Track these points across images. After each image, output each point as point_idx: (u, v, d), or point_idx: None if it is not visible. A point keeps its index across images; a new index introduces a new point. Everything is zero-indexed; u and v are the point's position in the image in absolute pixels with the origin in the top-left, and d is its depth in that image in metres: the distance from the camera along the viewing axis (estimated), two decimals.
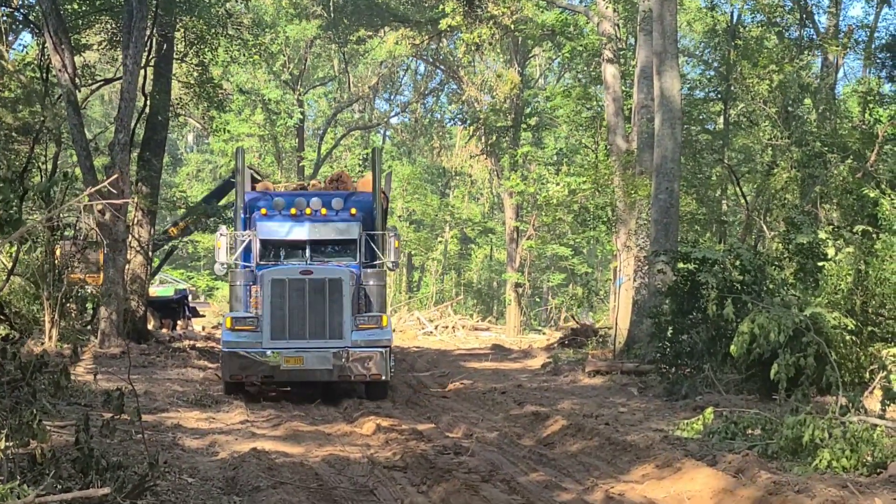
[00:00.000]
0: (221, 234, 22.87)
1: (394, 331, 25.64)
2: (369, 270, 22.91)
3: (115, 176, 22.44)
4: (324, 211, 23.43)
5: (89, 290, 32.09)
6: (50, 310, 26.83)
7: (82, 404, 17.85)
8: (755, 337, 16.02)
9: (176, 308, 42.48)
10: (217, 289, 70.62)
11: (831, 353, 16.79)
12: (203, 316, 46.74)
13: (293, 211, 23.40)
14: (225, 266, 22.95)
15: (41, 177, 29.53)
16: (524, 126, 54.79)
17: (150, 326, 34.98)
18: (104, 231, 27.25)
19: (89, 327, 30.65)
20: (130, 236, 30.29)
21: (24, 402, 10.40)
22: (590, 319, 47.19)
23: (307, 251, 23.29)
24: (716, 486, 11.92)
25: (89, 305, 32.17)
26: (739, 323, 17.18)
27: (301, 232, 23.30)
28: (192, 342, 33.80)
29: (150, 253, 33.08)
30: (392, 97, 78.47)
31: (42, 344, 26.00)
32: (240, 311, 22.25)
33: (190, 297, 45.65)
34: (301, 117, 64.93)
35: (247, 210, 23.87)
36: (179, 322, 42.30)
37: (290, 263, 22.88)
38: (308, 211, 23.44)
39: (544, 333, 49.79)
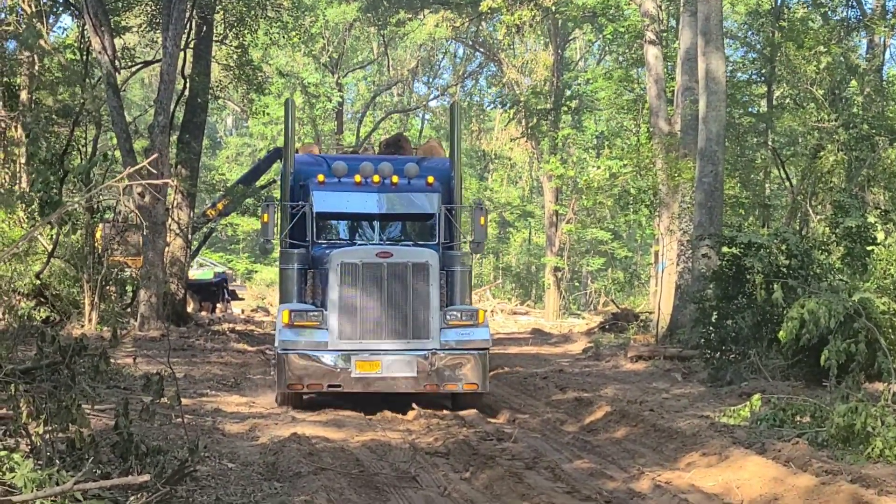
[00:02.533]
0: (268, 205, 18.98)
1: None
2: (453, 253, 18.86)
3: (154, 156, 21.11)
4: (395, 179, 19.14)
5: (129, 273, 32.10)
6: (90, 293, 26.80)
7: (122, 388, 17.80)
8: (804, 322, 15.70)
9: (215, 291, 42.56)
10: (256, 272, 70.73)
11: (881, 340, 16.47)
12: (242, 299, 46.77)
13: (357, 178, 19.06)
14: (272, 244, 19.06)
15: (81, 159, 29.54)
16: (564, 109, 54.50)
17: (189, 309, 34.97)
18: (144, 213, 27.19)
19: (129, 310, 30.64)
20: (170, 219, 30.26)
21: (63, 385, 10.26)
22: (627, 304, 46.87)
23: (376, 228, 19.32)
24: (766, 474, 11.67)
25: (129, 288, 32.17)
26: (788, 308, 16.86)
27: (369, 204, 19.11)
28: (231, 325, 33.77)
29: (190, 236, 33.05)
30: (431, 80, 78.25)
31: (82, 327, 25.99)
32: (291, 299, 18.34)
33: (228, 281, 45.65)
34: (340, 100, 64.85)
35: (298, 177, 19.74)
36: (219, 305, 42.39)
37: (357, 243, 18.98)
38: (376, 178, 19.07)
39: (583, 318, 49.50)
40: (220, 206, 39.51)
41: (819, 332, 16.07)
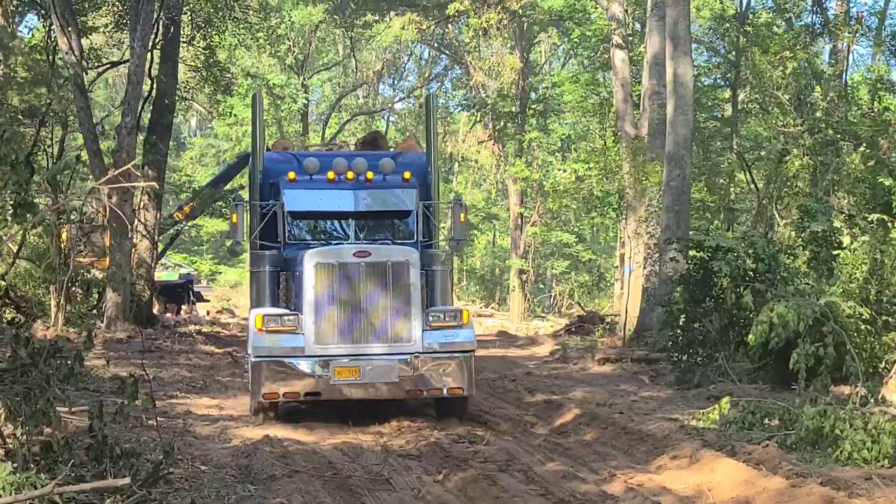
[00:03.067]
0: (237, 205, 17.87)
1: None
2: (432, 251, 17.79)
3: (133, 162, 20.85)
4: (370, 175, 18.23)
5: (94, 275, 31.94)
6: (56, 294, 26.66)
7: (91, 390, 17.75)
8: (773, 326, 15.85)
9: (180, 292, 42.40)
10: (220, 273, 70.52)
11: (846, 343, 16.64)
12: (207, 301, 46.60)
13: (330, 175, 18.13)
14: (241, 246, 17.99)
15: (47, 160, 29.37)
16: (531, 112, 54.67)
17: (154, 311, 34.82)
18: (111, 215, 27.07)
19: (95, 312, 30.49)
20: (136, 220, 30.13)
21: (37, 387, 10.20)
22: (592, 307, 47.04)
23: (351, 227, 18.30)
24: (737, 477, 11.75)
25: (95, 290, 32.02)
26: (757, 312, 16.99)
27: (343, 201, 18.17)
28: (197, 327, 33.65)
29: (156, 237, 32.92)
30: (396, 82, 78.22)
31: (48, 328, 25.85)
32: (263, 303, 17.29)
33: (193, 282, 45.47)
34: (305, 102, 64.72)
35: (268, 175, 18.67)
36: (184, 307, 42.24)
37: (332, 243, 17.95)
38: (350, 175, 18.14)
39: (548, 320, 49.60)
40: (187, 209, 39.37)
41: (787, 336, 16.23)
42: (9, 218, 13.93)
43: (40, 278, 28.38)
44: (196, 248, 79.51)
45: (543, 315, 55.84)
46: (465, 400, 16.71)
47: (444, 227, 20.06)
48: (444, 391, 16.14)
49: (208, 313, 44.98)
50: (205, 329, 33.75)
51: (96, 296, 31.35)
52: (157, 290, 36.56)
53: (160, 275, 40.21)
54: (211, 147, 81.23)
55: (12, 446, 9.15)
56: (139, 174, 28.73)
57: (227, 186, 38.36)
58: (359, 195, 18.25)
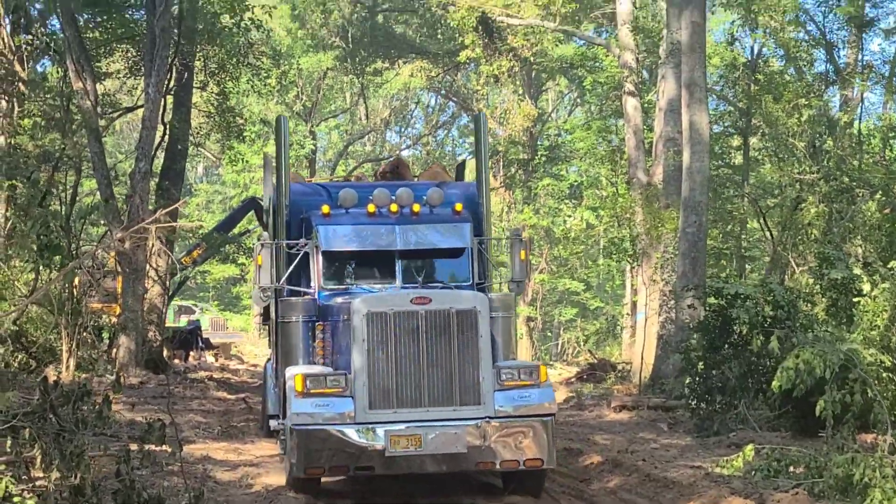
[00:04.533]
0: (263, 246, 15.34)
1: None
2: (494, 295, 15.26)
3: (174, 206, 19.61)
4: (416, 207, 16.09)
5: (105, 320, 31.86)
6: (68, 339, 26.56)
7: (109, 434, 17.64)
8: (799, 372, 15.74)
9: (189, 339, 42.27)
10: (227, 320, 70.38)
11: (869, 392, 16.52)
12: (216, 347, 46.43)
13: (371, 208, 15.97)
14: (268, 293, 15.57)
15: (60, 205, 29.35)
16: (542, 159, 54.78)
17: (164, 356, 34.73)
18: (124, 260, 27.05)
19: (105, 357, 30.39)
20: (149, 266, 30.11)
21: (67, 430, 10.16)
22: (601, 355, 46.92)
23: (397, 268, 15.87)
24: None
25: (105, 335, 31.93)
26: (783, 358, 16.88)
27: (387, 238, 15.90)
28: (208, 373, 33.55)
29: (168, 283, 32.90)
30: (403, 129, 78.45)
31: (59, 373, 25.74)
32: (297, 359, 15.14)
33: (201, 329, 45.38)
34: (313, 148, 64.86)
35: (296, 210, 16.47)
36: (192, 353, 42.08)
37: (375, 287, 15.66)
38: (394, 208, 16.04)
39: (556, 367, 49.44)
40: (195, 253, 39.33)
41: (812, 383, 16.12)
42: (36, 260, 13.98)
43: (52, 323, 28.26)
44: (202, 294, 79.43)
45: (551, 363, 55.66)
46: (544, 474, 14.31)
47: (495, 266, 18.33)
48: (521, 463, 13.66)
49: (217, 359, 44.84)
50: (216, 375, 33.68)
51: (108, 341, 31.27)
52: (168, 337, 36.49)
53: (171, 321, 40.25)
54: (218, 193, 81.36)
55: (48, 488, 9.07)
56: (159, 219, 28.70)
57: (233, 232, 38.41)
58: (405, 231, 16.00)
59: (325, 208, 16.03)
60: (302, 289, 15.85)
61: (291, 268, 15.74)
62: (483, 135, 17.09)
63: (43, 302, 28.33)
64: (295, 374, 13.82)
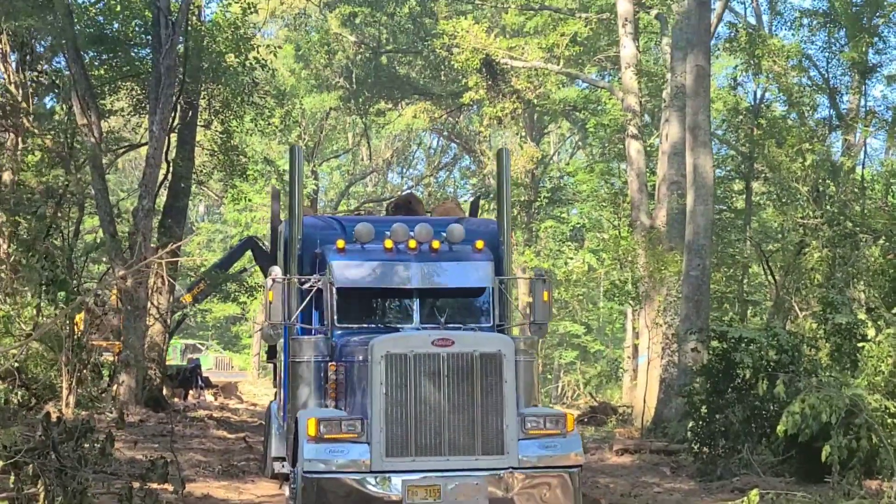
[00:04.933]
0: (275, 281, 14.49)
1: None
2: (517, 338, 14.43)
3: (176, 245, 19.09)
4: (436, 244, 15.26)
5: (106, 358, 31.76)
6: (68, 376, 26.47)
7: (108, 472, 17.52)
8: (805, 417, 15.69)
9: (189, 377, 42.14)
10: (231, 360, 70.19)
11: (872, 437, 16.45)
12: (216, 386, 46.27)
13: (388, 244, 15.12)
14: (279, 331, 15.46)
15: (63, 241, 29.34)
16: (545, 201, 54.83)
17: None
18: (125, 297, 26.99)
19: (104, 395, 30.27)
20: (150, 303, 30.03)
21: (70, 467, 10.08)
22: (601, 398, 46.80)
23: (415, 307, 15.08)
24: None
25: (106, 373, 31.82)
26: (787, 403, 16.83)
27: (405, 276, 15.03)
28: (207, 412, 33.42)
29: (168, 321, 32.81)
30: (405, 170, 78.61)
31: (59, 411, 25.63)
32: (307, 401, 14.38)
33: (201, 368, 45.25)
34: (315, 188, 64.90)
35: (309, 244, 15.70)
36: (192, 391, 41.93)
37: (391, 327, 14.88)
38: (412, 244, 15.21)
39: None
40: (195, 291, 39.32)
41: (818, 428, 16.07)
42: (41, 296, 13.92)
43: (52, 360, 28.17)
44: (201, 333, 79.32)
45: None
46: None
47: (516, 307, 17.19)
48: None
49: (216, 398, 44.68)
50: (215, 414, 33.55)
51: (107, 378, 31.18)
52: (169, 375, 36.40)
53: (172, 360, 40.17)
54: (219, 232, 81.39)
55: None
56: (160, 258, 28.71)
57: (232, 270, 38.40)
58: (424, 268, 15.12)
59: (341, 243, 15.12)
60: (314, 327, 15.01)
61: (303, 304, 14.76)
62: (505, 170, 16.37)
63: (44, 338, 28.28)
64: (308, 417, 12.97)
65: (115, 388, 28.76)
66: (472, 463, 12.62)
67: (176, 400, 38.14)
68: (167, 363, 35.97)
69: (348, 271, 14.93)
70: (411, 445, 12.60)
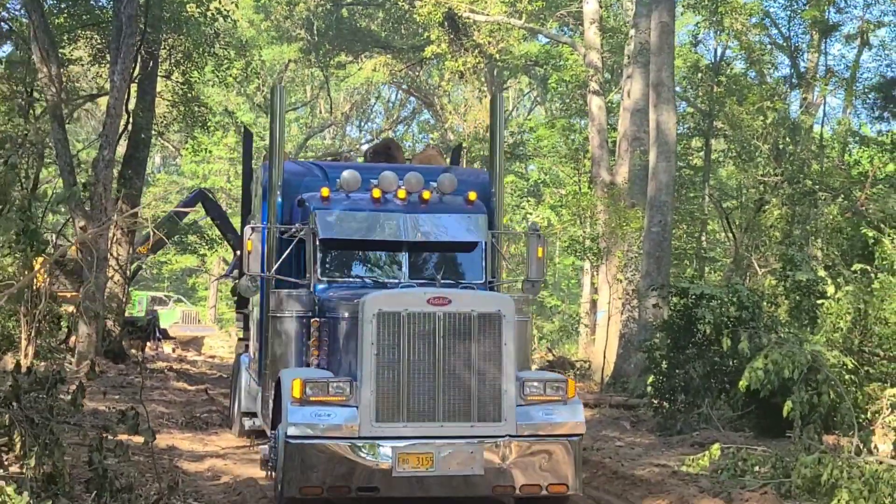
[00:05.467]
0: (253, 230, 13.79)
1: None
2: (515, 297, 13.27)
3: (135, 211, 18.77)
4: (426, 195, 14.49)
5: (65, 308, 31.57)
6: (27, 327, 26.28)
7: (71, 423, 17.47)
8: (768, 373, 15.87)
9: (145, 329, 41.98)
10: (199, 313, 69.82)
11: (830, 393, 16.67)
12: (174, 338, 46.17)
13: (376, 193, 14.32)
14: (255, 283, 14.43)
15: (23, 190, 29.06)
16: (507, 156, 54.78)
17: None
18: (85, 249, 26.80)
19: (64, 346, 30.12)
20: (109, 255, 29.84)
21: (41, 418, 10.06)
22: (559, 352, 47.04)
23: (404, 262, 14.30)
24: None
25: (64, 324, 31.64)
26: (749, 359, 17.02)
27: (395, 228, 14.19)
28: (166, 364, 33.37)
29: (128, 272, 32.64)
30: (363, 124, 78.30)
31: (17, 362, 25.45)
32: (288, 360, 13.66)
33: (157, 319, 45.12)
34: (262, 147, 64.54)
35: (290, 191, 14.75)
36: (149, 343, 41.80)
37: (377, 282, 14.13)
38: (401, 194, 14.46)
39: None
40: (149, 243, 39.13)
41: (779, 384, 16.27)
42: (11, 246, 13.80)
43: (10, 311, 27.96)
44: (157, 284, 78.91)
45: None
46: (565, 501, 12.61)
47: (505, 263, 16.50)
48: (544, 488, 12.02)
49: (174, 350, 44.58)
50: (174, 366, 33.52)
51: (66, 330, 30.99)
52: (127, 326, 36.26)
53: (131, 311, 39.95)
54: (175, 184, 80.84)
55: (27, 476, 8.97)
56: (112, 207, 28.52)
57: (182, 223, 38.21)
58: (415, 220, 14.33)
59: (325, 191, 14.30)
60: (293, 279, 14.11)
61: (283, 256, 13.97)
62: (499, 116, 15.59)
63: (1, 288, 28.03)
64: (293, 378, 11.98)
65: (72, 339, 28.64)
66: (467, 430, 11.79)
67: (133, 352, 38.03)
68: (128, 315, 35.84)
69: (333, 222, 14.14)
70: (403, 410, 11.70)
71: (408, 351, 11.74)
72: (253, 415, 15.75)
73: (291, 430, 11.57)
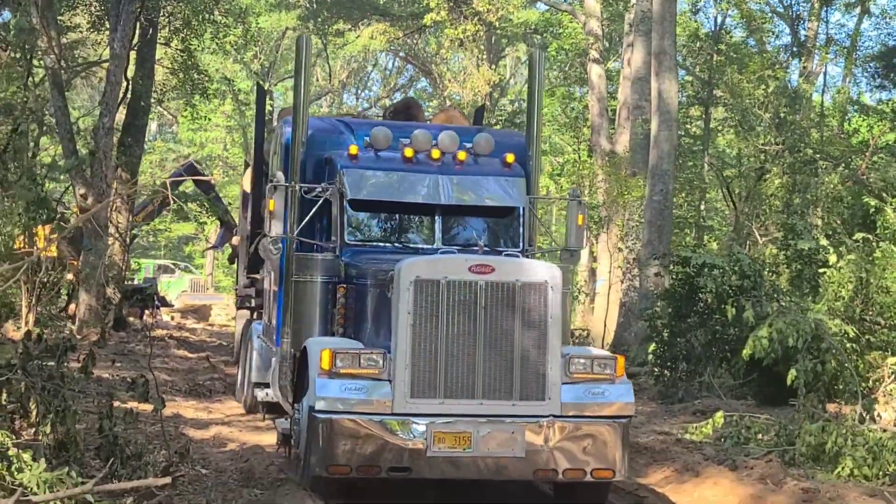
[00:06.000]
0: (276, 188, 12.48)
1: None
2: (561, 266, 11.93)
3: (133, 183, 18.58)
4: (462, 155, 13.44)
5: (64, 276, 31.60)
6: (28, 294, 26.31)
7: (76, 391, 17.52)
8: (772, 341, 15.97)
9: (144, 297, 42.02)
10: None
11: (833, 362, 16.76)
12: (172, 305, 46.23)
13: (408, 152, 13.27)
14: (278, 245, 12.83)
15: (25, 159, 29.04)
16: (502, 124, 54.71)
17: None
18: (85, 216, 26.78)
19: (65, 314, 30.16)
20: (109, 223, 29.82)
21: (53, 385, 10.11)
22: None
23: (437, 226, 13.26)
24: (743, 492, 11.82)
25: (64, 292, 31.66)
26: (751, 328, 17.12)
27: (429, 189, 13.14)
28: (166, 332, 33.45)
29: (127, 241, 32.64)
30: (360, 91, 78.14)
31: (18, 328, 25.52)
32: (312, 327, 12.69)
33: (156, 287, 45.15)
34: (270, 109, 64.40)
35: (314, 149, 13.62)
36: (147, 311, 41.84)
37: (409, 247, 13.11)
38: (435, 154, 13.37)
39: None
40: (149, 208, 39.21)
41: (783, 352, 16.37)
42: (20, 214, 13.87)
43: (11, 277, 27.95)
44: (153, 252, 78.94)
45: None
46: (609, 488, 11.68)
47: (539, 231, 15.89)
48: (588, 473, 11.04)
49: (172, 318, 44.63)
50: (174, 334, 33.60)
51: (66, 297, 31.02)
52: (127, 294, 36.32)
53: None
54: (172, 151, 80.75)
55: (43, 442, 9.02)
56: (112, 174, 28.54)
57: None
58: (450, 182, 13.25)
59: (353, 149, 13.19)
60: (318, 242, 13.10)
61: (308, 217, 12.82)
62: (539, 75, 14.51)
63: (3, 255, 28.06)
64: (322, 348, 11.03)
65: (72, 307, 28.69)
66: (508, 408, 10.83)
67: (132, 319, 38.10)
68: (130, 283, 35.96)
69: (362, 182, 13.07)
70: (440, 386, 10.76)
71: (446, 322, 10.78)
72: (266, 385, 15.07)
73: (319, 405, 10.68)
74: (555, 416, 10.86)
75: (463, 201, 13.20)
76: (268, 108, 51.73)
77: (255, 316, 18.57)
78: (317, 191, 12.98)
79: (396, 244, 13.16)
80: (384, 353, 10.78)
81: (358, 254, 12.73)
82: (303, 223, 12.75)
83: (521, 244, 13.35)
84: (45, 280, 27.79)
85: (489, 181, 13.38)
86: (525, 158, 13.94)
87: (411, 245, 13.08)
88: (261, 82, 27.48)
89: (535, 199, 14.08)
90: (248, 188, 19.60)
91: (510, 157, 13.52)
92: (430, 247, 12.93)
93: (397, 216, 13.51)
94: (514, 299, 10.86)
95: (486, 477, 10.98)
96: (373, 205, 13.18)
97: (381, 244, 13.17)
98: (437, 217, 13.21)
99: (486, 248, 12.42)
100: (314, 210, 12.83)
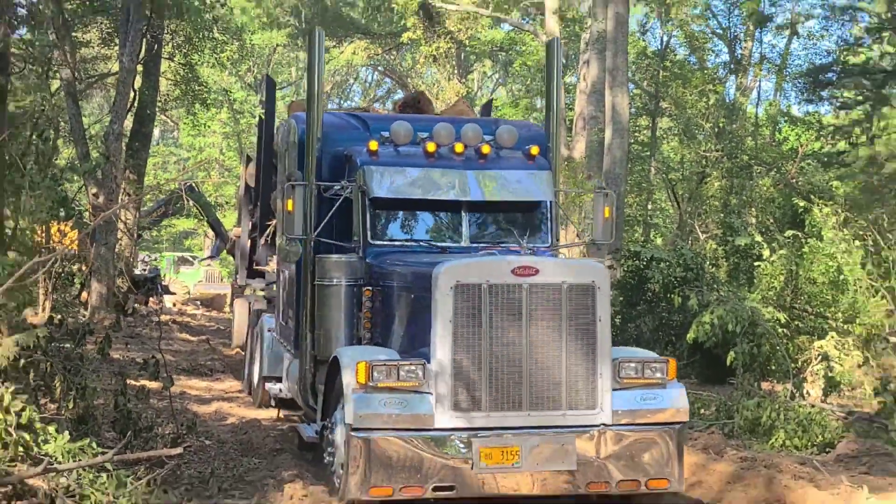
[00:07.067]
0: (295, 187, 11.00)
1: None
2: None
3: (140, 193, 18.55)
4: (485, 149, 11.79)
5: (76, 267, 31.49)
6: (45, 283, 26.23)
7: (90, 370, 17.49)
8: (714, 327, 16.13)
9: (148, 285, 41.88)
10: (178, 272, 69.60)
11: (767, 345, 16.93)
12: (174, 294, 46.05)
13: (430, 147, 11.59)
14: (295, 247, 11.25)
15: (40, 164, 28.96)
16: None
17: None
18: (97, 213, 26.77)
19: (76, 301, 30.05)
20: (118, 219, 29.81)
21: (73, 366, 10.13)
22: None
23: (464, 223, 11.64)
24: (689, 461, 11.77)
25: (77, 281, 31.57)
26: (695, 314, 17.28)
27: (455, 185, 11.51)
28: (169, 318, 33.43)
29: (135, 235, 32.65)
30: (342, 102, 78.08)
31: (36, 315, 25.41)
32: (338, 334, 11.13)
33: (159, 276, 45.01)
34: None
35: (330, 145, 11.95)
36: (152, 299, 41.69)
37: (436, 247, 11.42)
38: (459, 148, 11.75)
39: None
40: (159, 211, 39.14)
41: (721, 336, 16.54)
42: (45, 212, 13.87)
43: (36, 271, 27.84)
44: (156, 245, 78.57)
45: None
46: (661, 498, 10.13)
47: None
48: (643, 485, 9.61)
49: (175, 305, 44.49)
50: (178, 319, 33.62)
51: (79, 286, 30.90)
52: (134, 283, 36.25)
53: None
54: (173, 155, 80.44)
55: (65, 416, 9.04)
56: (121, 175, 28.55)
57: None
58: (477, 177, 11.61)
59: (373, 144, 11.58)
60: (338, 242, 11.49)
61: (328, 216, 11.37)
62: (557, 64, 12.81)
63: (20, 248, 27.92)
64: (357, 360, 9.44)
65: (84, 295, 28.64)
66: (558, 419, 9.41)
67: (137, 306, 37.98)
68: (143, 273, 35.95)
69: (385, 179, 11.45)
70: (484, 397, 9.30)
71: (489, 329, 9.30)
72: (277, 380, 13.98)
73: (357, 422, 9.12)
74: (606, 425, 9.50)
75: (491, 197, 11.56)
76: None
77: (254, 305, 17.89)
78: (336, 189, 11.57)
79: (422, 243, 11.54)
80: (423, 364, 9.27)
81: (383, 254, 11.25)
82: (322, 223, 11.30)
83: (549, 239, 11.92)
84: (61, 271, 27.77)
85: (516, 175, 11.77)
86: (545, 151, 12.40)
87: (438, 244, 11.47)
88: (270, 75, 27.07)
89: (558, 192, 12.63)
90: (251, 182, 18.76)
91: (535, 150, 11.91)
92: (457, 245, 11.44)
93: (422, 214, 11.82)
94: (560, 302, 9.43)
95: (535, 493, 9.39)
96: (397, 203, 11.57)
97: (407, 244, 11.53)
98: (464, 214, 11.64)
99: (528, 249, 10.78)
100: (334, 209, 11.38)
